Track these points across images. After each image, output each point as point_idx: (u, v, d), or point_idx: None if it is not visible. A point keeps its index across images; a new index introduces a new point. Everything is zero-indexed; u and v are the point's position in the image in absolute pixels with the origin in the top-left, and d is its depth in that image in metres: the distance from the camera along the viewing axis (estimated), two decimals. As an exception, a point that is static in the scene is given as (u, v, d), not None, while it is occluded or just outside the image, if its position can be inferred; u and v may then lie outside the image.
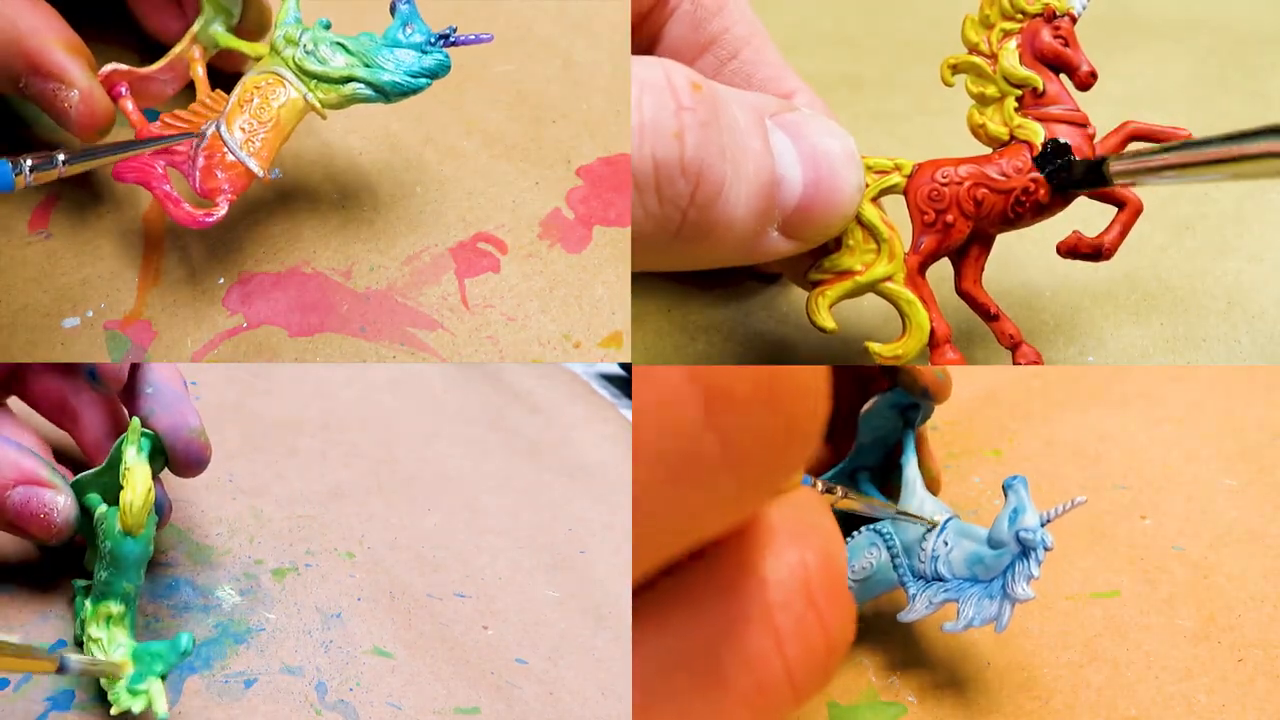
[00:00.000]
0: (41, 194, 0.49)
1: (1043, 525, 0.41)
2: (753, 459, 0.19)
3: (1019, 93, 0.41)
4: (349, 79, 0.43)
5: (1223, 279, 0.49)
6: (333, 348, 0.46)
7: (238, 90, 0.43)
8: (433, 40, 0.43)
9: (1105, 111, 0.43)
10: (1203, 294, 0.49)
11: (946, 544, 0.43)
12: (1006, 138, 0.41)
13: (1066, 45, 0.41)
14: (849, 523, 0.46)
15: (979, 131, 0.42)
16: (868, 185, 0.40)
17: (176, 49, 0.46)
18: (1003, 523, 0.42)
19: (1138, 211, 0.41)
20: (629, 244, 0.48)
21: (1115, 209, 0.41)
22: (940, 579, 0.43)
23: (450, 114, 0.53)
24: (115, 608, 0.37)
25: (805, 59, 0.63)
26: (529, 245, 0.49)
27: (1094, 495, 0.54)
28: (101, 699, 0.38)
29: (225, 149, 0.43)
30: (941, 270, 0.42)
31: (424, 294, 0.47)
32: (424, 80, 0.43)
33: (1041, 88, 0.41)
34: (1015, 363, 0.41)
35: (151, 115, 0.45)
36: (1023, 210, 0.40)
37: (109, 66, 0.44)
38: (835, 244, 0.40)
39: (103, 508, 0.39)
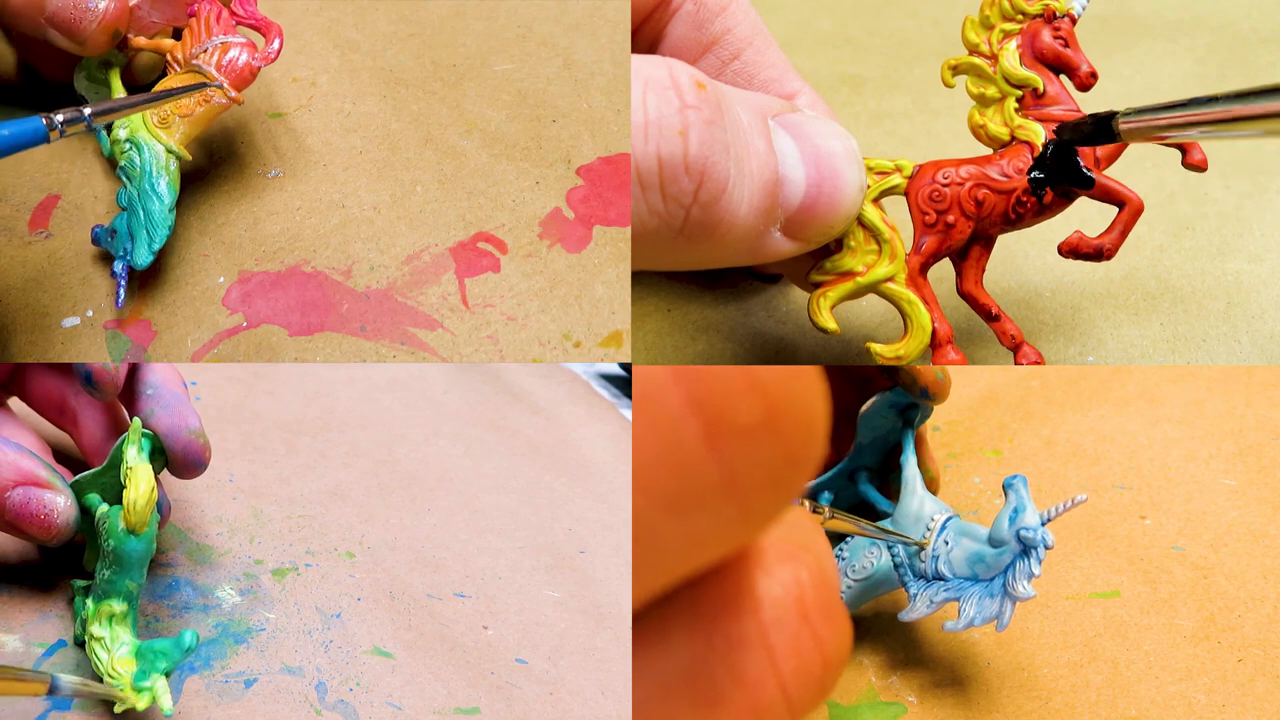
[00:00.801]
0: (41, 194, 0.49)
1: (1043, 524, 0.41)
2: (754, 488, 0.19)
3: (1019, 93, 0.41)
4: None
5: (1223, 279, 0.49)
6: (333, 347, 0.46)
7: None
8: None
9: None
10: (1203, 294, 0.49)
11: (947, 543, 0.43)
12: (1007, 138, 0.41)
13: (1066, 46, 0.41)
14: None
15: (979, 132, 0.42)
16: (869, 186, 0.40)
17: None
18: (1003, 522, 0.42)
19: (1138, 212, 0.41)
20: (629, 244, 0.48)
21: (1116, 209, 0.41)
22: (941, 578, 0.43)
23: (450, 114, 0.53)
24: (118, 606, 0.37)
25: (805, 59, 0.64)
26: (529, 245, 0.49)
27: (1094, 495, 0.54)
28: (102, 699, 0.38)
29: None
30: (942, 270, 0.42)
31: (424, 293, 0.47)
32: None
33: (1042, 88, 0.41)
34: (1017, 363, 0.41)
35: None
36: (1024, 211, 0.40)
37: None
38: (836, 245, 0.40)
39: (104, 507, 0.39)
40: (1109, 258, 0.41)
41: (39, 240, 0.48)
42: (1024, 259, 0.50)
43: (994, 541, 0.42)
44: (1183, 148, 0.41)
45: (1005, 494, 0.42)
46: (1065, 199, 0.41)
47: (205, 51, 0.46)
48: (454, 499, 0.54)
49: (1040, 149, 0.40)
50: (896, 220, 0.40)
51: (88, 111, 0.41)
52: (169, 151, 0.45)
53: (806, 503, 0.40)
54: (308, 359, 0.45)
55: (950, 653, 0.46)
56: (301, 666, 0.41)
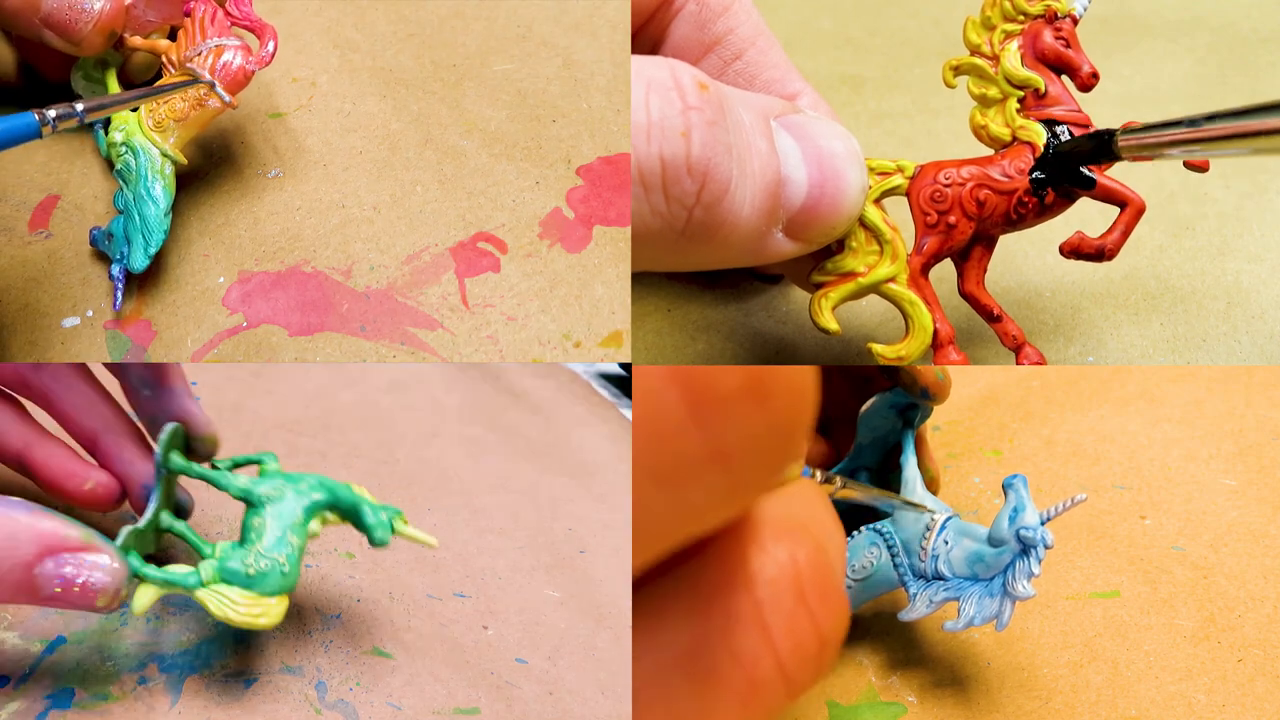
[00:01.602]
0: (41, 194, 0.49)
1: (1043, 523, 0.41)
2: (741, 455, 0.19)
3: (1021, 94, 0.41)
4: None
5: (1222, 279, 0.49)
6: (333, 347, 0.46)
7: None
8: None
9: (1106, 111, 0.43)
10: (1203, 294, 0.49)
11: (947, 543, 0.43)
12: (1009, 139, 0.41)
13: (1068, 46, 0.41)
14: (850, 522, 0.46)
15: (981, 132, 0.42)
16: (870, 187, 0.40)
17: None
18: (1003, 521, 0.42)
19: (1140, 212, 0.41)
20: (629, 244, 0.48)
21: (1117, 209, 0.41)
22: (941, 578, 0.43)
23: (450, 114, 0.53)
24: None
25: (806, 59, 0.64)
26: (529, 245, 0.49)
27: (1094, 495, 0.54)
28: (102, 697, 0.38)
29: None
30: (943, 271, 0.42)
31: (424, 293, 0.47)
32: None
33: (1043, 89, 0.41)
34: (1018, 364, 0.41)
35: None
36: (1025, 211, 0.40)
37: None
38: (838, 246, 0.40)
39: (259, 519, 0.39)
40: (1110, 258, 0.41)
41: (39, 240, 0.48)
42: (1024, 259, 0.50)
43: (993, 541, 0.42)
44: None
45: (1005, 494, 0.42)
46: (1066, 199, 0.41)
47: (200, 54, 0.46)
48: (454, 499, 0.54)
49: (1042, 149, 0.40)
50: (898, 221, 0.40)
51: (80, 107, 0.41)
52: (164, 155, 0.45)
53: (817, 473, 0.39)
54: (308, 359, 0.45)
55: (950, 653, 0.46)
56: (301, 666, 0.41)
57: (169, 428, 0.39)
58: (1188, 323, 0.48)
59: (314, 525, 0.40)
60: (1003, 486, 0.43)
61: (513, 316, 0.47)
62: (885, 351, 0.41)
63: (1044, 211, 0.41)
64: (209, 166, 0.50)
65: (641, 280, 0.51)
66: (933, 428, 0.61)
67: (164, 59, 0.47)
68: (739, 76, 0.42)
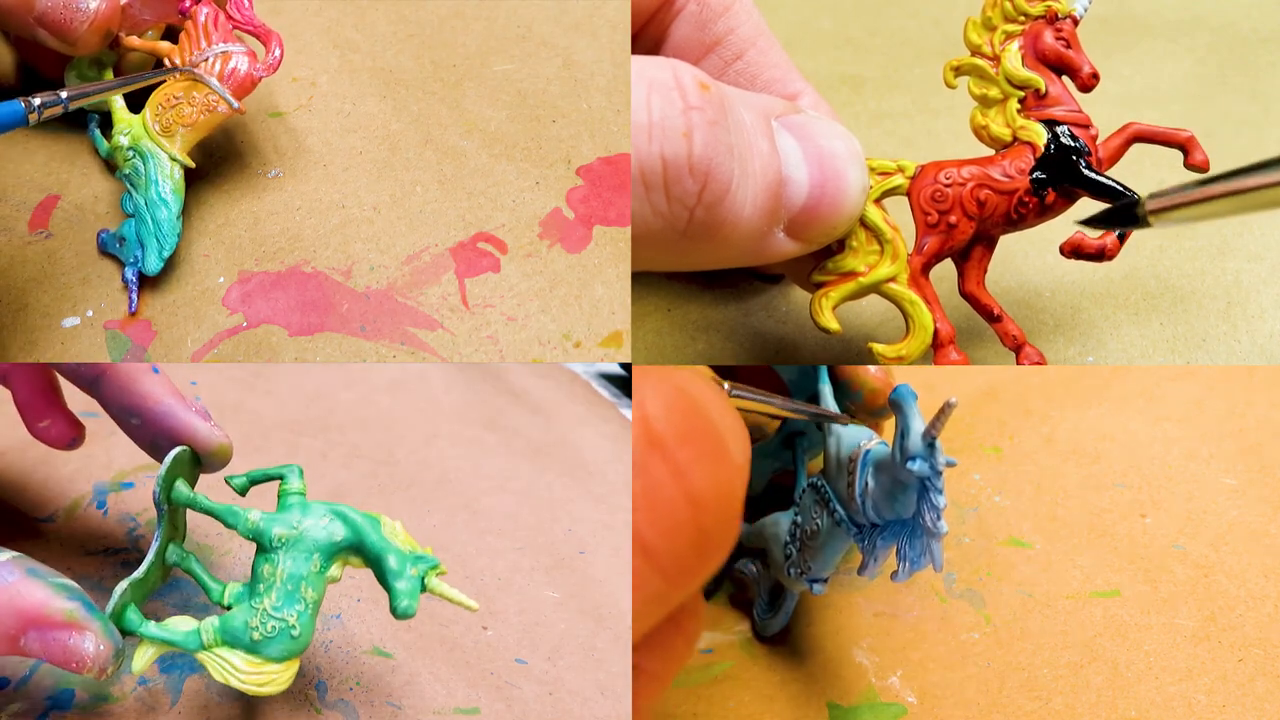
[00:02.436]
0: (41, 194, 0.49)
1: (931, 443, 0.35)
2: (677, 570, 0.22)
3: (1021, 94, 0.41)
4: None
5: (1222, 278, 0.49)
6: (333, 347, 0.46)
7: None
8: None
9: (1106, 112, 0.43)
10: (1203, 294, 0.49)
11: (868, 483, 0.38)
12: (1009, 139, 0.41)
13: (1068, 47, 0.41)
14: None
15: (981, 133, 0.42)
16: (871, 187, 0.40)
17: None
18: (895, 454, 0.36)
19: (1139, 212, 0.41)
20: (629, 244, 0.48)
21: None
22: (875, 525, 0.38)
23: (450, 114, 0.53)
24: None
25: (806, 59, 0.64)
26: (529, 245, 0.49)
27: (1094, 494, 0.54)
28: (102, 698, 0.38)
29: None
30: (943, 271, 0.42)
31: (424, 294, 0.47)
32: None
33: (1044, 89, 0.41)
34: (1019, 363, 0.41)
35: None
36: (1026, 211, 0.40)
37: None
38: (839, 245, 0.40)
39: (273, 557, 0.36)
40: (1111, 258, 0.41)
41: (39, 240, 0.48)
42: (1024, 259, 0.50)
43: (896, 478, 0.37)
44: (1185, 148, 0.41)
45: (893, 412, 0.36)
46: (1067, 199, 0.41)
47: (206, 60, 0.46)
48: (454, 499, 0.54)
49: (1042, 149, 0.40)
50: (898, 221, 0.40)
51: (64, 94, 0.42)
52: (173, 159, 0.46)
53: (727, 385, 0.35)
54: (308, 359, 0.45)
55: (950, 653, 0.46)
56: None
57: (171, 455, 0.37)
58: (1188, 322, 0.48)
59: (334, 570, 0.37)
60: (889, 402, 0.36)
61: (513, 316, 0.47)
62: (885, 351, 0.41)
63: (1044, 212, 0.41)
64: (209, 166, 0.50)
65: (641, 280, 0.51)
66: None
67: (167, 62, 0.47)
68: (740, 76, 0.42)
